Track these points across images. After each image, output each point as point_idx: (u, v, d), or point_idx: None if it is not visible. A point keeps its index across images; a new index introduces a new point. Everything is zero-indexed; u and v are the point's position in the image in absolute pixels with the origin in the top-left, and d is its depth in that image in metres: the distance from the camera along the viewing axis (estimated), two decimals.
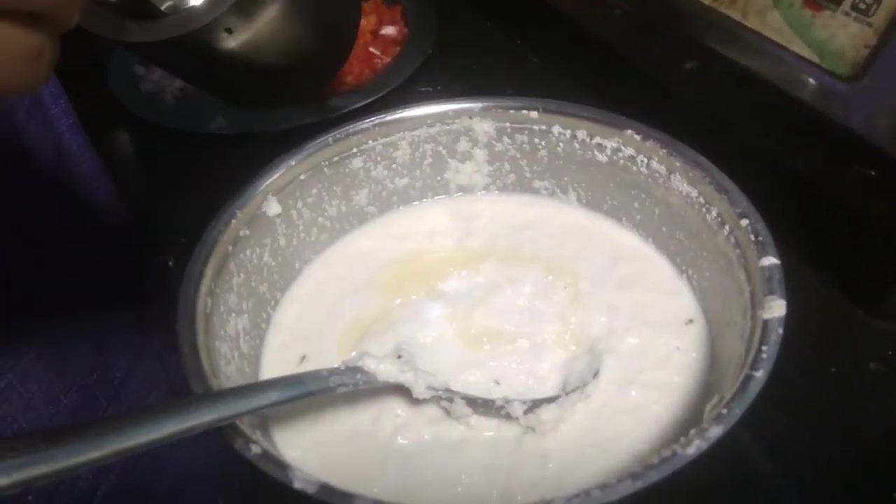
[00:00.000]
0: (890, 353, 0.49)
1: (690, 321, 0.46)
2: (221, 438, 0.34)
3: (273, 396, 0.36)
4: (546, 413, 0.41)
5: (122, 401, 0.32)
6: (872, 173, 0.46)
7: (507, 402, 0.41)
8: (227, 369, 0.41)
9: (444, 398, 0.42)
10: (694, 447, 0.31)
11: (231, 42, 0.39)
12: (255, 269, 0.47)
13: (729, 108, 0.57)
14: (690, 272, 0.48)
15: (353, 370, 0.40)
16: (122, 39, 0.37)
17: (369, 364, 0.41)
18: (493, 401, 0.42)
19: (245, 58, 0.40)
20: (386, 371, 0.41)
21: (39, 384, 0.29)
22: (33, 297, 0.30)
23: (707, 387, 0.42)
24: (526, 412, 0.41)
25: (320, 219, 0.52)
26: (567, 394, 0.42)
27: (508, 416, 0.41)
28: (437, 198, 0.56)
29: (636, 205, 0.51)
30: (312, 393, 0.38)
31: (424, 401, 0.42)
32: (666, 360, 0.44)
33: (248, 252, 0.46)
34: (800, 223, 0.49)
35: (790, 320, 0.36)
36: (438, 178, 0.55)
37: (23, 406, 0.28)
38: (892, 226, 0.48)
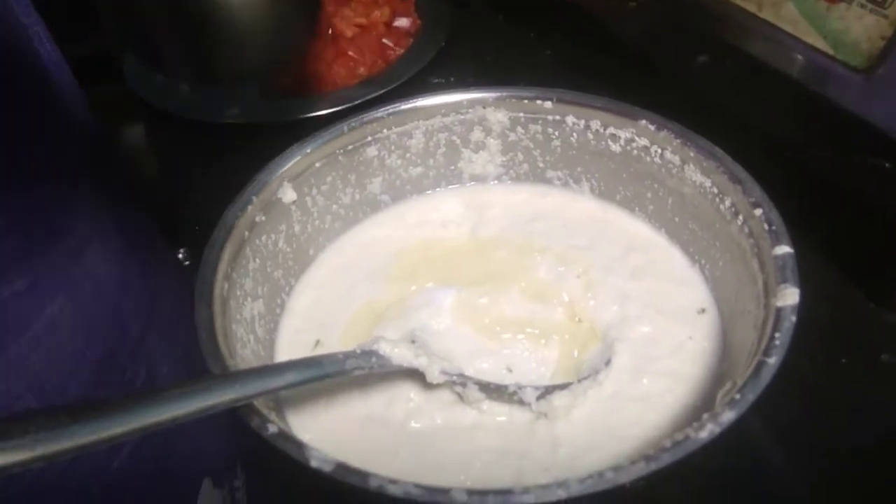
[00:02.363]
0: None
1: (703, 311, 0.46)
2: (236, 416, 0.35)
3: (290, 377, 0.37)
4: (558, 399, 0.41)
5: (141, 361, 0.32)
6: (887, 165, 0.46)
7: (520, 388, 0.42)
8: (244, 352, 0.41)
9: (458, 383, 0.42)
10: (707, 431, 0.31)
11: None
12: (271, 254, 0.48)
13: (743, 101, 0.57)
14: (703, 262, 0.48)
15: (368, 353, 0.41)
16: None
17: (384, 348, 0.41)
18: (505, 386, 0.42)
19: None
20: (401, 355, 0.41)
21: (64, 338, 0.30)
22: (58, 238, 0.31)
23: (719, 376, 0.42)
24: (538, 398, 0.41)
25: (334, 206, 0.52)
26: (579, 381, 0.42)
27: (521, 402, 0.42)
28: (450, 187, 0.56)
29: (649, 195, 0.51)
30: (329, 375, 0.39)
31: (437, 386, 0.43)
32: (678, 350, 0.44)
33: (263, 238, 0.47)
34: (813, 216, 0.49)
35: (802, 312, 0.36)
36: (452, 167, 0.56)
37: (48, 359, 0.29)
38: None
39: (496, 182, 0.56)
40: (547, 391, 0.42)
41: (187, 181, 0.70)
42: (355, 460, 0.37)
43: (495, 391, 0.42)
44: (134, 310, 0.35)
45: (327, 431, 0.42)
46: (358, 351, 0.41)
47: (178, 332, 0.39)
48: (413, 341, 0.44)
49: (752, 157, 0.44)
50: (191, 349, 0.38)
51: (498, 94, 0.52)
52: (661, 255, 0.49)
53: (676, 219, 0.49)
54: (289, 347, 0.47)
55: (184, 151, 0.74)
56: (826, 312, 0.49)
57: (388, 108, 0.52)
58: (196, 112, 0.74)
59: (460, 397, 0.42)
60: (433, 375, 0.42)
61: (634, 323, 0.46)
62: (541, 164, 0.55)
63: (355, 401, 0.44)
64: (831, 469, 0.44)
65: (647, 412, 0.41)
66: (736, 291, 0.43)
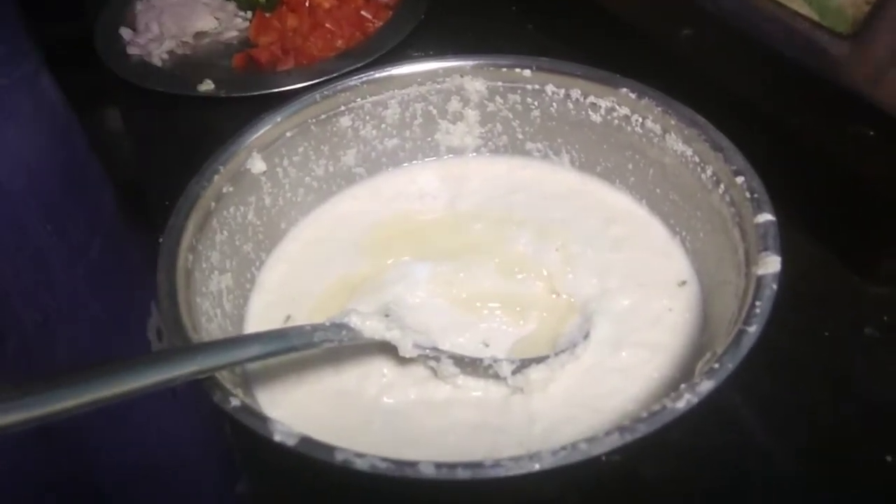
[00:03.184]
0: (885, 318, 0.48)
1: (683, 283, 0.45)
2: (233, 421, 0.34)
3: (255, 350, 0.35)
4: (535, 373, 0.40)
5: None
6: (871, 133, 0.45)
7: (496, 361, 0.41)
8: (209, 326, 0.40)
9: (432, 357, 0.41)
10: (684, 401, 0.30)
11: None
12: (240, 227, 0.46)
13: (727, 70, 0.56)
14: (684, 234, 0.47)
15: (338, 326, 0.40)
16: None
17: (355, 321, 0.40)
18: (480, 360, 0.41)
19: None
20: (372, 328, 0.40)
21: None
22: None
23: (699, 347, 0.41)
24: (514, 372, 0.40)
25: (307, 178, 0.51)
26: (556, 354, 0.41)
27: (496, 377, 0.41)
28: (427, 160, 0.55)
29: (630, 166, 0.49)
30: (296, 348, 0.37)
31: (411, 361, 0.41)
32: (658, 321, 0.43)
33: (231, 209, 0.45)
34: (797, 186, 0.48)
35: (785, 284, 0.35)
36: (429, 139, 0.54)
37: None
38: (890, 187, 0.47)
39: (474, 154, 0.55)
40: (523, 365, 0.40)
41: (160, 156, 0.68)
42: (327, 436, 0.36)
43: (470, 365, 0.41)
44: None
45: (298, 407, 0.41)
46: (328, 324, 0.39)
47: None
48: (387, 315, 0.43)
49: (735, 126, 0.43)
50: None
51: (475, 62, 0.51)
52: (641, 226, 0.48)
53: (657, 190, 0.48)
54: (258, 323, 0.46)
55: (157, 126, 0.72)
56: (809, 285, 0.48)
57: (362, 76, 0.50)
58: (169, 85, 0.72)
59: (434, 372, 0.41)
60: (406, 349, 0.40)
61: (614, 296, 0.45)
62: (520, 136, 0.53)
63: (327, 376, 0.42)
64: (813, 442, 0.43)
65: (626, 385, 0.40)
66: (717, 262, 0.42)
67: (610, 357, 0.42)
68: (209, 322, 0.40)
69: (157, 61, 0.77)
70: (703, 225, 0.44)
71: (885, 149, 0.45)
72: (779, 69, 0.49)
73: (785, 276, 0.35)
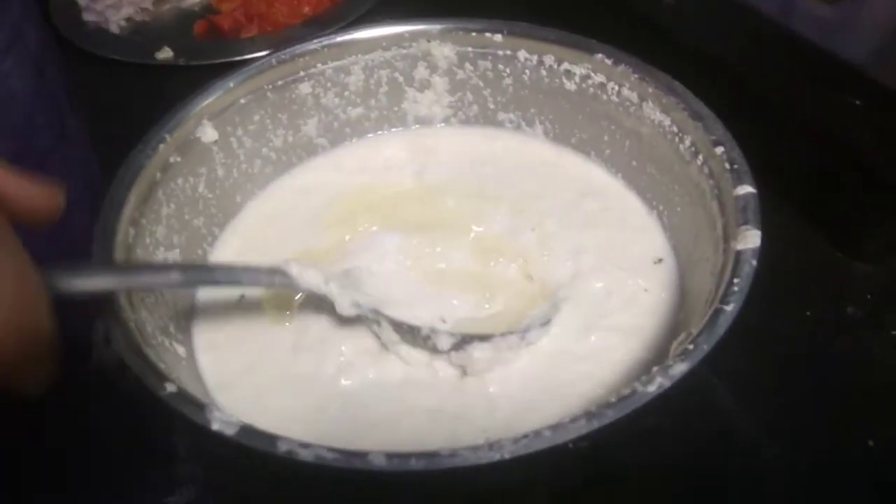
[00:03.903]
0: (868, 296, 0.46)
1: (660, 260, 0.43)
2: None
3: (175, 277, 0.34)
4: (477, 351, 0.38)
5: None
6: (857, 103, 0.43)
7: (434, 331, 0.38)
8: (150, 301, 0.37)
9: (372, 319, 0.39)
10: (655, 385, 0.28)
11: None
12: (189, 200, 0.43)
13: (707, 37, 0.53)
14: (661, 208, 0.44)
15: (271, 271, 0.37)
16: None
17: (294, 269, 0.37)
18: (419, 328, 0.38)
19: None
20: (310, 279, 0.38)
21: None
22: None
23: (675, 327, 0.39)
24: (456, 348, 0.38)
25: (264, 149, 0.48)
26: (503, 335, 0.38)
27: (435, 350, 0.38)
28: (393, 130, 0.52)
29: (606, 137, 0.47)
30: (220, 283, 0.36)
31: (370, 340, 0.39)
32: (632, 302, 0.41)
33: (179, 181, 0.42)
34: (779, 159, 0.46)
35: (766, 262, 0.33)
36: (395, 108, 0.51)
37: None
38: (877, 161, 0.44)
39: (443, 125, 0.52)
40: (464, 341, 0.38)
41: (113, 127, 0.64)
42: (279, 420, 0.34)
43: (409, 333, 0.38)
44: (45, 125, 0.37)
45: (251, 391, 0.39)
46: (263, 267, 0.37)
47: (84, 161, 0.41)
48: (347, 275, 0.40)
49: (714, 94, 0.41)
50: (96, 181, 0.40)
51: (443, 25, 0.48)
52: (617, 201, 0.46)
53: (634, 162, 0.46)
54: (208, 302, 0.43)
55: (112, 95, 0.68)
56: (791, 262, 0.46)
57: (322, 39, 0.47)
58: (126, 52, 0.69)
59: (378, 338, 0.39)
60: (343, 306, 0.38)
61: (588, 278, 0.42)
62: (491, 105, 0.51)
63: (283, 357, 0.40)
64: (794, 425, 0.42)
65: (596, 369, 0.38)
66: (694, 237, 0.40)
67: (578, 343, 0.39)
68: (150, 298, 0.37)
69: (114, 28, 0.73)
70: (681, 198, 0.42)
71: (872, 120, 0.43)
72: (764, 37, 0.47)
73: (765, 252, 0.33)
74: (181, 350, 0.38)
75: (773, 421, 0.42)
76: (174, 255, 0.41)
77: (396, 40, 0.48)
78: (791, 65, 0.47)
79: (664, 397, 0.28)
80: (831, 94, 0.44)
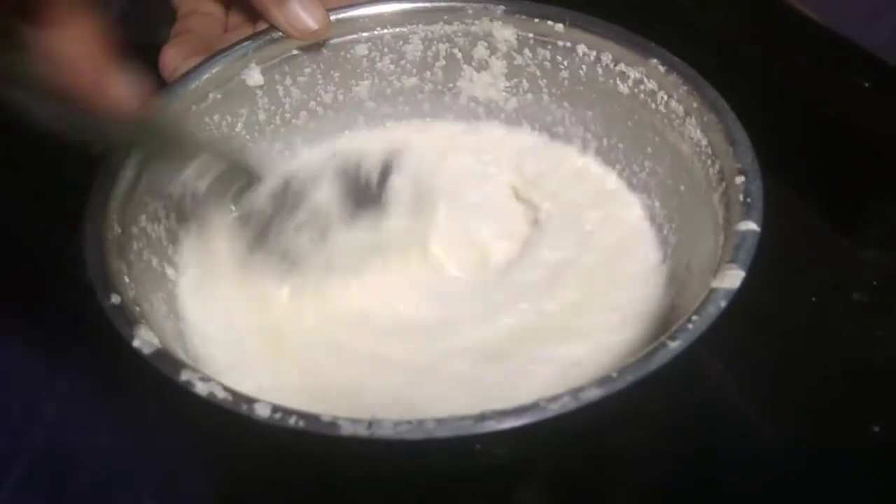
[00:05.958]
0: (874, 283, 0.45)
1: (660, 262, 0.42)
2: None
3: None
4: None
5: None
6: (866, 85, 0.41)
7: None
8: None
9: None
10: (650, 364, 0.28)
11: None
12: (223, 137, 0.45)
13: (714, 16, 0.51)
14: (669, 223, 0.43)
15: None
16: None
17: None
18: None
19: None
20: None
21: None
22: None
23: (672, 308, 0.38)
24: None
25: (312, 103, 0.49)
26: None
27: None
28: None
29: (649, 149, 0.44)
30: None
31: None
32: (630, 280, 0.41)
33: (216, 117, 0.45)
34: (785, 141, 0.43)
35: (769, 245, 0.32)
36: (450, 84, 0.50)
37: None
38: (885, 145, 0.42)
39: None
40: None
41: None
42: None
43: None
44: None
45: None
46: None
47: None
48: None
49: (724, 78, 0.40)
50: None
51: (507, 7, 0.46)
52: (622, 210, 0.45)
53: (670, 181, 0.43)
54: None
55: None
56: (798, 248, 0.45)
57: (382, 5, 0.47)
58: (129, 33, 0.71)
59: None
60: None
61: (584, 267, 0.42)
62: (545, 97, 0.49)
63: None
64: (797, 411, 0.41)
65: (589, 349, 0.38)
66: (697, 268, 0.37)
67: (574, 318, 0.39)
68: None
69: (115, 9, 0.76)
70: (700, 226, 0.39)
71: (880, 102, 0.41)
72: (772, 17, 0.45)
73: (769, 236, 0.32)
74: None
75: (778, 407, 0.41)
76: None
77: (459, 15, 0.47)
78: (797, 43, 0.46)
79: (665, 382, 0.28)
80: (839, 76, 0.43)
